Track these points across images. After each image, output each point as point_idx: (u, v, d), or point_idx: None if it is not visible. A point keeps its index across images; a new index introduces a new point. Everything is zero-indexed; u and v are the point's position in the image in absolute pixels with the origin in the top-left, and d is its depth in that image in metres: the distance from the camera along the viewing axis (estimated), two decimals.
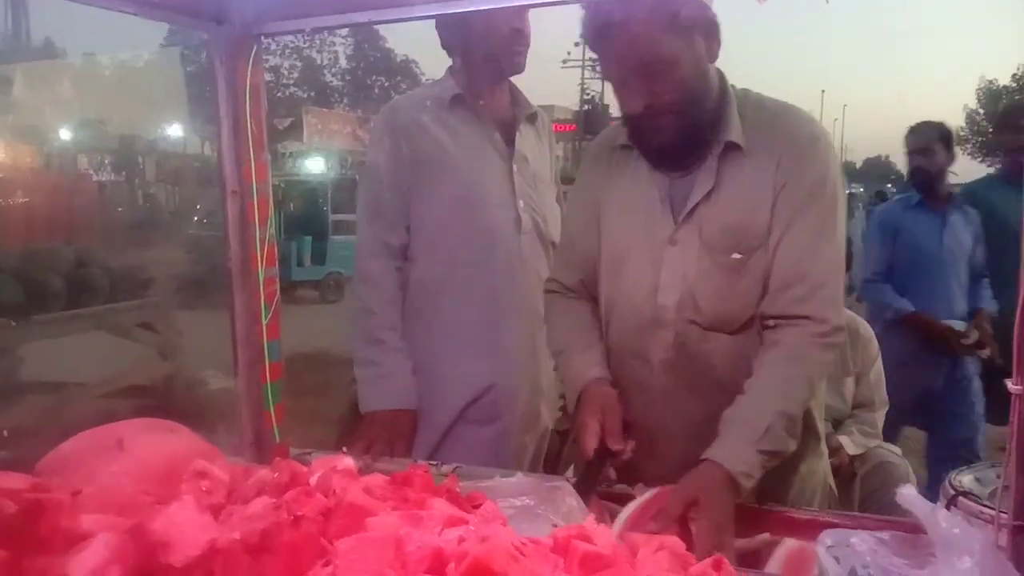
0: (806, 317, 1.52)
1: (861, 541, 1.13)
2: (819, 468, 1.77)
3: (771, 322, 1.57)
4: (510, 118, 2.16)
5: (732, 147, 1.57)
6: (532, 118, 2.20)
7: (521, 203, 2.11)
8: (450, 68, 2.16)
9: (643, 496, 1.46)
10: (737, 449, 1.45)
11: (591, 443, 1.51)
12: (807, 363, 1.53)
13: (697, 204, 1.59)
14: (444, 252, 2.08)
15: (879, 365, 2.94)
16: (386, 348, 2.04)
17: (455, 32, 2.10)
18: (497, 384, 2.09)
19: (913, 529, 1.13)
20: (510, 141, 2.13)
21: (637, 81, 1.52)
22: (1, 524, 0.93)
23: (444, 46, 2.14)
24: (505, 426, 2.12)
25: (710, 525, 1.34)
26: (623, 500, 1.48)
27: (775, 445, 1.48)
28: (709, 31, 1.55)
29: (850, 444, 2.80)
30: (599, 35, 1.55)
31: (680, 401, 1.63)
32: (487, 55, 2.06)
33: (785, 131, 1.59)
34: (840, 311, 1.58)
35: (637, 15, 1.49)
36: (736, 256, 1.56)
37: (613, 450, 1.51)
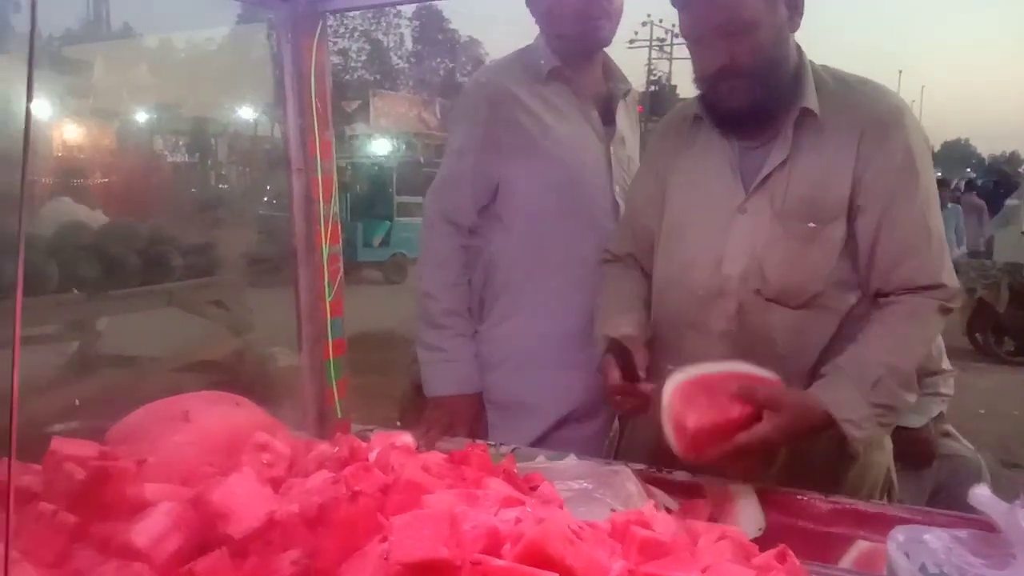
0: (927, 287, 1.53)
1: (935, 538, 1.09)
2: (882, 460, 1.73)
3: (888, 297, 1.56)
4: (606, 93, 2.05)
5: (808, 117, 1.56)
6: (627, 93, 2.09)
7: (617, 188, 1.99)
8: (540, 35, 2.03)
9: (712, 368, 1.45)
10: (844, 394, 1.45)
11: (614, 374, 1.54)
12: (925, 323, 1.54)
13: (770, 173, 1.57)
14: (536, 238, 1.97)
15: None
16: (449, 333, 1.98)
17: (536, 4, 2.00)
18: (588, 378, 1.93)
19: (989, 527, 1.08)
20: (608, 120, 2.02)
21: (715, 40, 1.52)
22: (70, 489, 0.96)
23: (533, 16, 2.03)
24: (594, 419, 2.03)
25: (774, 437, 1.37)
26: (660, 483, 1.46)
27: (886, 398, 1.47)
28: (792, 2, 1.55)
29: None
30: None
31: None
32: (569, 28, 1.94)
33: (867, 103, 1.58)
34: (954, 275, 1.57)
35: None
36: (811, 225, 1.54)
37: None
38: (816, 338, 1.56)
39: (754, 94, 1.54)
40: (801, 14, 1.57)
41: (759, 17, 1.50)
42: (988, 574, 1.00)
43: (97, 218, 8.54)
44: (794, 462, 1.56)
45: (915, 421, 2.77)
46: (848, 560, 1.32)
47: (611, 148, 1.99)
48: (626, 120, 2.08)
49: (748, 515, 1.36)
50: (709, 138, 1.67)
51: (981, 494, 1.04)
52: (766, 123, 1.59)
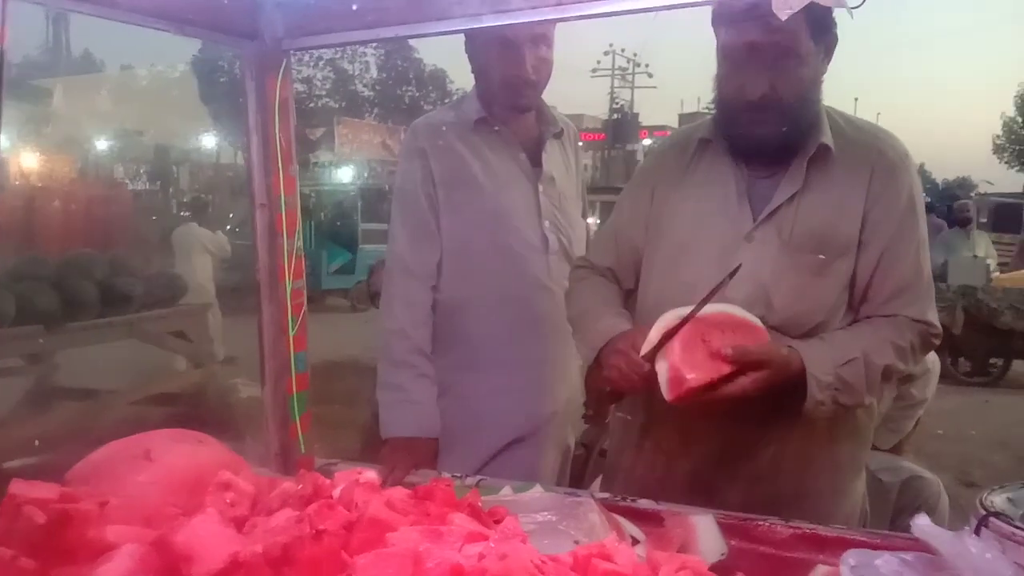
0: (916, 320, 1.61)
1: (885, 563, 1.11)
2: (859, 489, 1.77)
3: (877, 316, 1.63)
4: (536, 135, 2.15)
5: (823, 152, 1.60)
6: (559, 134, 2.18)
7: (547, 223, 2.09)
8: (475, 86, 2.15)
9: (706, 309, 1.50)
10: (818, 356, 1.51)
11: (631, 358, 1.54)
12: (903, 336, 1.60)
13: (780, 205, 1.61)
14: (472, 275, 2.07)
15: None
16: (414, 373, 2.02)
17: (472, 60, 2.10)
18: (527, 404, 2.09)
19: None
20: (536, 160, 2.12)
21: (761, 67, 1.54)
22: (30, 534, 0.95)
23: (471, 68, 2.14)
24: (534, 445, 2.10)
25: (753, 390, 1.45)
26: (636, 516, 1.47)
27: (852, 378, 1.53)
28: (830, 45, 1.60)
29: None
30: (736, 13, 1.57)
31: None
32: (498, 91, 2.05)
33: (877, 145, 1.64)
34: (937, 316, 1.65)
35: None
36: (821, 257, 1.60)
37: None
38: None
39: (782, 127, 1.57)
40: (831, 58, 1.61)
41: (806, 54, 1.55)
42: None
43: (220, 241, 8.76)
44: (790, 493, 1.63)
45: (889, 441, 2.84)
46: None
47: (539, 186, 2.10)
48: (559, 158, 2.18)
49: (708, 541, 1.38)
50: (715, 163, 1.69)
51: (923, 524, 1.07)
52: (783, 155, 1.62)
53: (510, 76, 2.00)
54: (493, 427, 2.07)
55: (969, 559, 0.99)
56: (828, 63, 1.61)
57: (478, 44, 2.05)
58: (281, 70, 1.60)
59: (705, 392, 1.47)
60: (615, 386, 1.64)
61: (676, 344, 1.48)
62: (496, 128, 2.09)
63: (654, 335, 1.51)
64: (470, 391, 2.08)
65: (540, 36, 1.99)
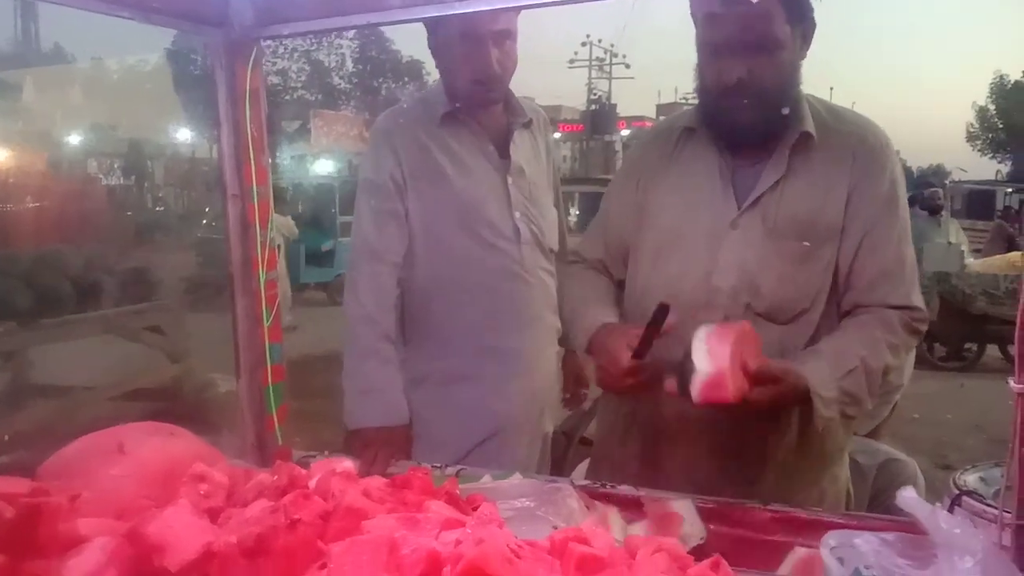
0: (901, 307, 1.61)
1: (865, 542, 1.12)
2: (843, 475, 1.79)
3: (862, 310, 1.62)
4: (504, 126, 2.13)
5: (805, 139, 1.61)
6: (527, 124, 2.17)
7: (518, 214, 2.09)
8: (441, 80, 2.13)
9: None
10: (820, 372, 1.51)
11: (624, 356, 1.51)
12: (894, 332, 1.60)
13: (764, 192, 1.61)
14: (444, 264, 2.06)
15: None
16: (379, 360, 2.00)
17: (436, 56, 2.09)
18: (503, 394, 2.08)
19: (919, 530, 1.13)
20: (505, 152, 2.11)
21: (738, 54, 1.54)
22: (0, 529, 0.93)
23: (436, 64, 2.13)
24: (512, 435, 2.11)
25: (763, 402, 1.44)
26: (615, 502, 1.48)
27: (854, 388, 1.53)
28: (807, 31, 1.61)
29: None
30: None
31: None
32: (464, 87, 2.04)
33: (859, 132, 1.65)
34: (922, 300, 1.65)
35: None
36: (805, 244, 1.60)
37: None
38: (792, 351, 1.60)
39: (763, 113, 1.58)
40: (810, 44, 1.62)
41: (784, 39, 1.55)
42: (913, 574, 1.04)
43: (289, 225, 8.86)
44: (777, 481, 1.64)
45: (866, 427, 2.87)
46: (787, 567, 1.35)
47: (508, 178, 2.09)
48: (529, 148, 2.17)
49: (688, 526, 1.39)
50: (699, 151, 1.69)
51: (907, 496, 1.08)
52: (766, 142, 1.62)
53: (476, 73, 1.99)
54: (471, 417, 2.07)
55: (942, 533, 1.00)
56: (806, 49, 1.62)
57: (441, 41, 2.04)
58: (251, 59, 1.58)
59: (727, 394, 1.42)
60: (601, 384, 1.65)
61: (726, 351, 1.42)
62: (463, 122, 2.08)
63: (701, 362, 1.42)
64: (446, 381, 2.08)
65: (504, 31, 1.98)
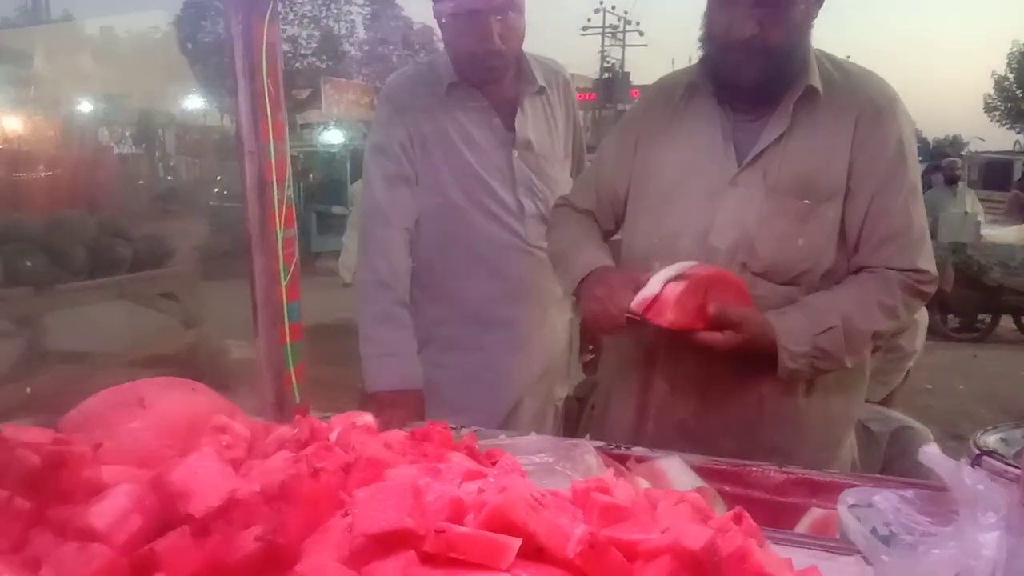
0: (908, 269, 1.58)
1: (883, 499, 1.12)
2: (848, 440, 1.79)
3: (866, 271, 1.61)
4: (513, 96, 2.09)
5: (810, 94, 1.58)
6: (539, 91, 2.12)
7: (522, 189, 2.07)
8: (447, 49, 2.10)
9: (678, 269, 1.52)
10: (794, 326, 1.51)
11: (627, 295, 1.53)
12: (891, 293, 1.58)
13: (765, 148, 1.59)
14: (448, 234, 2.07)
15: None
16: (397, 324, 2.02)
17: (441, 27, 2.05)
18: (502, 364, 2.10)
19: (936, 490, 1.12)
20: (511, 124, 2.08)
21: (750, 8, 1.51)
22: (24, 476, 0.94)
23: (441, 35, 2.09)
24: (512, 404, 2.11)
25: (725, 347, 1.48)
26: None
27: (830, 346, 1.53)
28: None
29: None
30: None
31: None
32: (465, 61, 2.02)
33: (865, 89, 1.61)
34: (932, 262, 1.63)
35: None
36: (806, 202, 1.58)
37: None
38: None
39: (769, 69, 1.55)
40: (821, 4, 1.58)
41: None
42: (933, 531, 1.04)
43: None
44: (780, 444, 1.64)
45: (879, 394, 2.86)
46: (803, 527, 1.36)
47: (514, 152, 2.07)
48: (541, 118, 2.13)
49: (681, 482, 1.39)
50: (702, 108, 1.67)
51: (930, 452, 1.07)
52: (769, 97, 1.60)
53: (477, 48, 1.96)
54: (474, 384, 2.09)
55: (965, 489, 1.00)
56: (819, 7, 1.58)
57: (447, 17, 1.99)
58: (268, 12, 1.56)
59: (680, 333, 1.50)
60: (592, 327, 1.66)
61: (681, 285, 1.49)
62: (469, 93, 2.05)
63: (654, 284, 1.51)
64: (448, 347, 2.10)
65: (507, 3, 1.93)
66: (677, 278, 1.49)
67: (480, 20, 1.92)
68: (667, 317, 1.47)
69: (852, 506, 1.13)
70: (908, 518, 1.09)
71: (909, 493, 1.13)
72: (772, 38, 1.52)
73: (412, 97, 2.06)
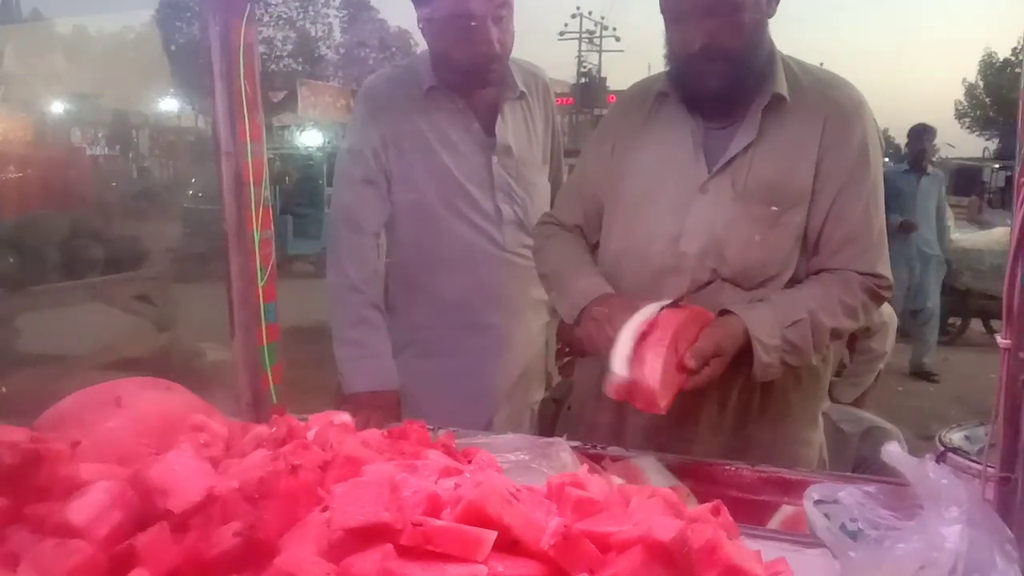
0: (866, 273, 1.60)
1: (848, 495, 1.14)
2: (816, 439, 1.81)
3: (826, 273, 1.62)
4: (493, 101, 2.08)
5: (777, 102, 1.60)
6: (519, 97, 2.11)
7: (500, 195, 2.07)
8: (428, 51, 2.07)
9: (647, 312, 1.47)
10: (763, 319, 1.52)
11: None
12: (852, 293, 1.59)
13: (734, 156, 1.60)
14: (424, 238, 2.06)
15: None
16: (370, 327, 2.02)
17: (431, 39, 2.02)
18: (479, 370, 2.10)
19: (901, 486, 1.15)
20: (491, 129, 2.06)
21: (698, 19, 1.53)
22: (0, 474, 0.94)
23: (428, 45, 2.06)
24: (489, 408, 2.13)
25: (717, 373, 1.47)
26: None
27: (798, 339, 1.54)
28: None
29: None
30: None
31: None
32: (464, 69, 1.98)
33: (831, 94, 1.63)
34: (888, 267, 1.65)
35: None
36: (773, 209, 1.59)
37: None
38: None
39: (730, 76, 1.56)
40: (778, 2, 1.59)
41: (743, 0, 1.52)
42: (898, 525, 1.06)
43: None
44: (748, 442, 1.66)
45: (851, 395, 2.91)
46: (774, 524, 1.38)
47: (493, 158, 2.05)
48: (520, 122, 2.11)
49: (656, 480, 1.41)
50: (672, 115, 1.68)
51: (893, 450, 1.10)
52: (736, 105, 1.61)
53: (477, 54, 1.93)
54: (450, 390, 2.07)
55: (928, 484, 1.03)
56: (774, 7, 1.60)
57: (438, 23, 1.96)
58: (245, 13, 1.57)
59: (676, 388, 1.46)
60: (587, 351, 1.66)
61: (649, 361, 1.42)
62: (448, 97, 2.04)
63: (626, 338, 1.45)
64: (426, 353, 2.10)
65: (502, 4, 1.92)
66: (644, 336, 1.43)
67: (482, 26, 1.90)
68: (660, 404, 1.42)
69: (818, 502, 1.16)
70: (872, 512, 1.12)
71: (872, 488, 1.15)
72: (726, 43, 1.54)
73: (389, 99, 2.05)
